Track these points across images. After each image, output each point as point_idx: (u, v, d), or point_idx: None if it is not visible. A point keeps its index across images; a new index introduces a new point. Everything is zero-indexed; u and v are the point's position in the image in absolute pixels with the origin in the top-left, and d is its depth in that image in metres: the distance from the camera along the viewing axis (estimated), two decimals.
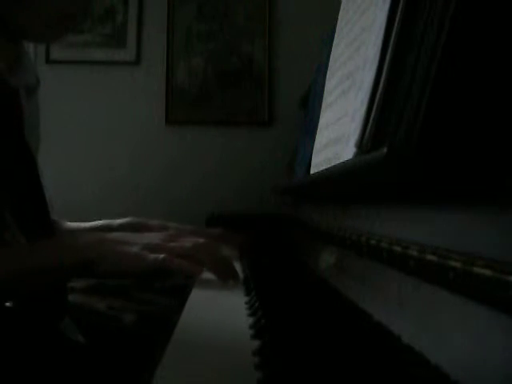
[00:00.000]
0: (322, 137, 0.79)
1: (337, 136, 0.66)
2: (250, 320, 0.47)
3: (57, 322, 0.75)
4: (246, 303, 0.56)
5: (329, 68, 0.83)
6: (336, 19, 0.83)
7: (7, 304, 0.70)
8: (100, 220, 1.01)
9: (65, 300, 0.78)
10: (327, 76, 0.83)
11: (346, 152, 0.58)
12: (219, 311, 0.55)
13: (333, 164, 0.62)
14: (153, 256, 0.66)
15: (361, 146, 0.52)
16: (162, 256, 0.65)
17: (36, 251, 0.67)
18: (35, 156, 0.80)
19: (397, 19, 0.50)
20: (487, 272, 0.29)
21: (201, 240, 0.73)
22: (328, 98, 0.79)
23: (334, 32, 0.84)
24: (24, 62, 0.79)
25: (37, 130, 0.88)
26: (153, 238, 0.72)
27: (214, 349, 0.41)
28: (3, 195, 0.70)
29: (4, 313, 0.68)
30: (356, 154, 0.53)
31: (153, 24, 1.99)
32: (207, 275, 0.71)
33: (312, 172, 0.80)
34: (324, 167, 0.68)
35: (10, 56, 0.76)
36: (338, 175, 0.57)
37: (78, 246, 0.68)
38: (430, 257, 0.37)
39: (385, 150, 0.38)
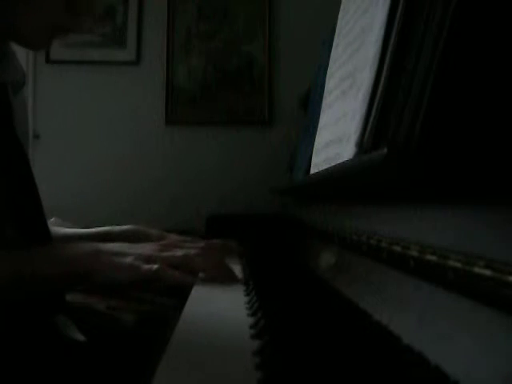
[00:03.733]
0: (321, 137, 0.79)
1: (337, 136, 0.66)
2: (250, 320, 0.47)
3: (52, 315, 0.75)
4: (246, 303, 0.56)
5: (329, 68, 0.83)
6: (336, 19, 0.83)
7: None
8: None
9: (61, 296, 0.78)
10: (327, 76, 0.83)
11: (346, 152, 0.58)
12: (219, 311, 0.55)
13: (333, 164, 0.62)
14: (146, 267, 0.66)
15: (361, 146, 0.52)
16: (155, 266, 0.66)
17: (30, 259, 0.67)
18: (26, 152, 0.79)
19: (397, 19, 0.50)
20: (487, 272, 0.29)
21: (193, 251, 0.73)
22: (328, 98, 0.79)
23: (334, 32, 0.84)
24: (11, 58, 0.79)
25: (25, 126, 0.88)
26: (146, 248, 0.72)
27: (214, 349, 0.41)
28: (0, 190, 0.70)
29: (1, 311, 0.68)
30: (356, 154, 0.53)
31: (153, 24, 1.99)
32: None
33: (312, 172, 0.81)
34: (324, 167, 0.68)
35: None
36: (338, 175, 0.57)
37: (71, 257, 0.68)
38: (429, 257, 0.37)
39: (385, 149, 0.38)
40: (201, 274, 0.72)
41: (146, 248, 0.72)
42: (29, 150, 0.87)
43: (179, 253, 0.72)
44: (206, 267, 0.72)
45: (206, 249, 0.76)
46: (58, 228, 0.96)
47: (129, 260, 0.67)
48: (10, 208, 0.71)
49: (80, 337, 0.77)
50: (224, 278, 0.71)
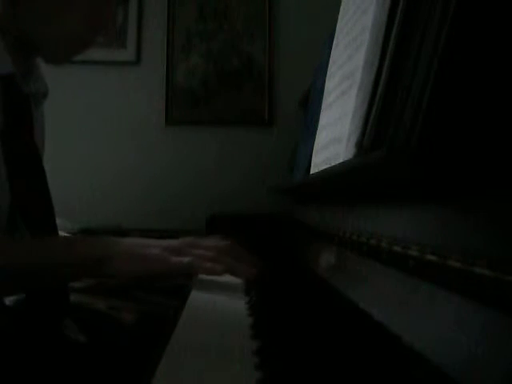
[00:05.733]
0: (321, 137, 0.79)
1: (337, 136, 0.66)
2: (250, 320, 0.47)
3: (58, 321, 0.75)
4: (246, 303, 0.56)
5: (329, 68, 0.83)
6: (336, 19, 0.83)
7: (8, 303, 0.71)
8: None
9: (66, 300, 0.78)
10: (327, 76, 0.83)
11: (346, 152, 0.58)
12: (219, 311, 0.55)
13: (333, 164, 0.62)
14: (176, 259, 0.64)
15: (361, 146, 0.52)
16: (187, 259, 0.64)
17: (54, 246, 0.68)
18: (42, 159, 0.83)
19: (397, 19, 0.50)
20: (487, 272, 0.30)
21: (219, 244, 0.71)
22: (328, 98, 0.79)
23: (334, 32, 0.84)
24: (36, 72, 0.83)
25: (42, 137, 0.91)
26: (172, 242, 0.70)
27: (214, 349, 0.41)
28: (14, 196, 0.72)
29: (5, 312, 0.68)
30: (356, 154, 0.53)
31: (153, 24, 1.99)
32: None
33: (312, 172, 0.81)
34: (324, 167, 0.68)
35: (24, 66, 0.80)
36: (338, 175, 0.57)
37: (97, 243, 0.68)
38: (429, 257, 0.37)
39: (385, 150, 0.38)
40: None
41: (171, 241, 0.70)
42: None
43: (208, 248, 0.69)
44: (234, 265, 0.69)
45: (230, 244, 0.73)
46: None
47: (156, 251, 0.65)
48: (24, 212, 0.73)
49: (81, 337, 0.77)
50: (250, 274, 0.68)
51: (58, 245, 0.69)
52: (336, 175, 0.58)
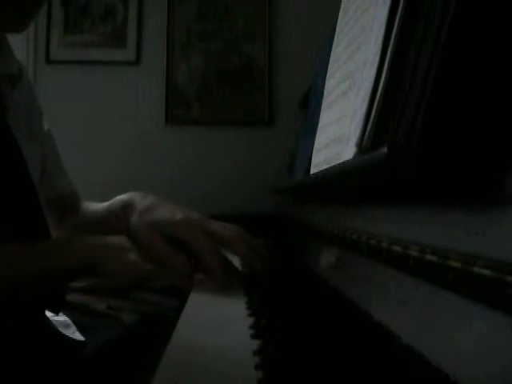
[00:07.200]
0: (321, 137, 0.79)
1: (337, 136, 0.66)
2: (250, 320, 0.47)
3: (54, 313, 0.75)
4: (246, 303, 0.56)
5: (329, 68, 0.82)
6: (336, 19, 0.83)
7: None
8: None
9: (61, 293, 0.78)
10: (327, 76, 0.83)
11: (346, 152, 0.58)
12: (219, 311, 0.55)
13: (333, 164, 0.62)
14: (147, 266, 0.66)
15: (361, 146, 0.52)
16: (154, 268, 0.65)
17: (36, 253, 0.66)
18: (18, 142, 0.77)
19: (397, 19, 0.50)
20: (487, 272, 0.30)
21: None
22: (328, 98, 0.79)
23: (334, 32, 0.84)
24: (4, 53, 0.78)
25: (29, 114, 0.86)
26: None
27: (214, 349, 0.41)
28: None
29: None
30: (356, 154, 0.53)
31: (153, 24, 1.99)
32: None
33: (312, 172, 0.80)
34: (324, 167, 0.68)
35: None
36: (338, 175, 0.57)
37: (78, 251, 0.68)
38: (429, 257, 0.37)
39: (385, 149, 0.38)
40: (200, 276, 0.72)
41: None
42: (42, 129, 0.86)
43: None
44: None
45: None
46: (87, 205, 0.96)
47: (132, 256, 0.67)
48: (8, 211, 0.70)
49: (80, 337, 0.77)
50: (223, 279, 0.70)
51: (40, 253, 0.67)
52: (336, 175, 0.58)
